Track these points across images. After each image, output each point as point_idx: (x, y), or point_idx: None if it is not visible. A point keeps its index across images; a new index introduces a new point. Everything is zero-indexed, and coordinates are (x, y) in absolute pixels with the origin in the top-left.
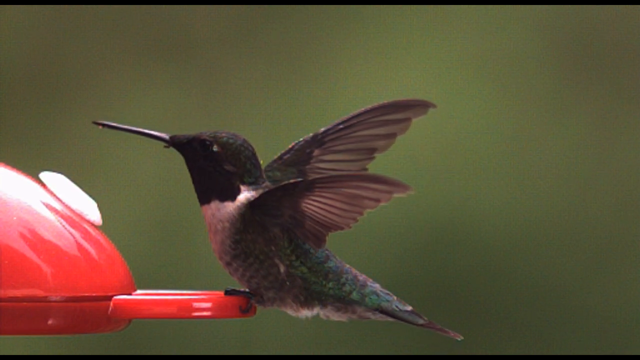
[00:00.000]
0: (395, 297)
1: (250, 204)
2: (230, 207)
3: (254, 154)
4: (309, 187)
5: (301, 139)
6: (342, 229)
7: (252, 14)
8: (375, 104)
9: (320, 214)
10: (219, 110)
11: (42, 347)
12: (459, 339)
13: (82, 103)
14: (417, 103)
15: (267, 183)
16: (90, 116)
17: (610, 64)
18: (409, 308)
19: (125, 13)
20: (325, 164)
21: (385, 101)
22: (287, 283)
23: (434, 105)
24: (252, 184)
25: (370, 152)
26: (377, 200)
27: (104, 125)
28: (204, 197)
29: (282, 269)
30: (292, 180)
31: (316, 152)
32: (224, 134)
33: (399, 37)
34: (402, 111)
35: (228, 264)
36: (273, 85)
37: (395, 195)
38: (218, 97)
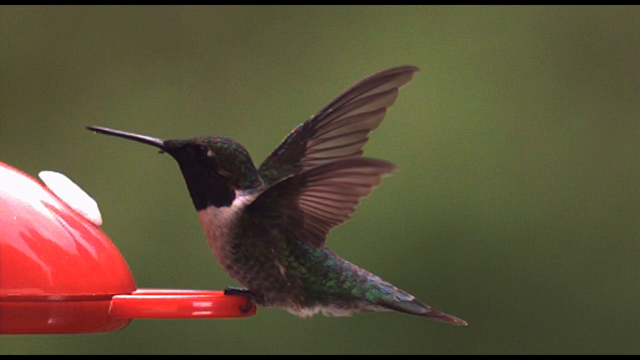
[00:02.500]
0: (395, 289)
1: (248, 208)
2: (227, 213)
3: (248, 158)
4: (301, 181)
5: (293, 131)
6: (340, 221)
7: (252, 14)
8: (359, 80)
9: (317, 208)
10: (218, 110)
11: (42, 347)
12: (465, 324)
13: (82, 103)
14: (401, 70)
15: (263, 185)
16: (90, 116)
17: (610, 64)
18: (410, 298)
19: (125, 13)
20: (320, 153)
21: (369, 76)
22: (288, 284)
23: (417, 69)
24: (248, 187)
25: (363, 133)
26: (368, 185)
27: (97, 130)
28: (200, 203)
29: (282, 270)
30: (284, 178)
31: (309, 142)
32: (218, 139)
33: (399, 37)
34: (387, 82)
35: (229, 267)
36: (273, 85)
37: (383, 176)
38: (218, 97)
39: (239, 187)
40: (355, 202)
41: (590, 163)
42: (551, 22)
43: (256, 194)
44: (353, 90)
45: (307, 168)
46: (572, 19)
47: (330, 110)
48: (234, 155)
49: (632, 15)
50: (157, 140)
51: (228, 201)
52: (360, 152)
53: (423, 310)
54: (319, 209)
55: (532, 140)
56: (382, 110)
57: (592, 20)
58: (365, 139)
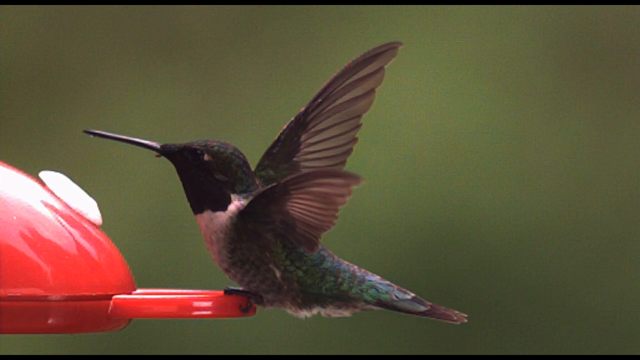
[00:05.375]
0: (395, 287)
1: (241, 213)
2: (222, 218)
3: (244, 162)
4: (284, 189)
5: (285, 127)
6: (328, 227)
7: (252, 14)
8: (344, 66)
9: (305, 214)
10: (219, 110)
11: (42, 347)
12: (464, 321)
13: (82, 103)
14: (385, 48)
15: (260, 188)
16: (90, 116)
17: (610, 64)
18: (409, 296)
19: (125, 13)
20: (314, 146)
21: (352, 59)
22: (284, 287)
23: (400, 44)
24: (243, 192)
25: (356, 119)
26: (342, 196)
27: (93, 134)
28: (197, 207)
29: (278, 273)
30: (269, 186)
31: (303, 137)
32: (214, 143)
33: (398, 37)
34: (372, 62)
35: (227, 271)
36: (273, 85)
37: (352, 187)
38: (218, 97)
39: (235, 192)
40: (336, 210)
41: (590, 163)
42: (551, 22)
43: (250, 198)
44: (340, 76)
45: (305, 164)
46: (572, 19)
47: (319, 100)
48: (231, 159)
49: (632, 15)
50: (154, 144)
51: (224, 206)
52: (355, 139)
53: (422, 308)
54: (306, 214)
55: (532, 140)
56: (371, 92)
57: (592, 20)
58: (359, 126)
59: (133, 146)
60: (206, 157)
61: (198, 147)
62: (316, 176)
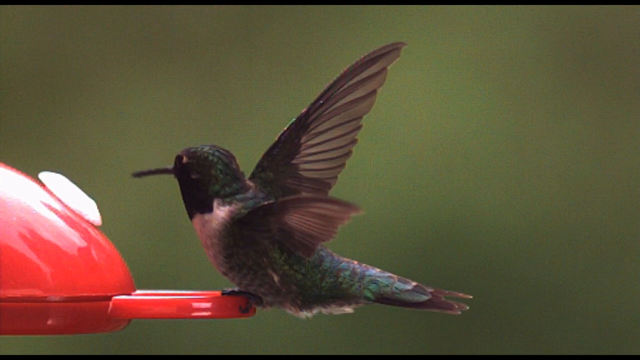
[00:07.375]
0: (396, 278)
1: (238, 221)
2: (214, 224)
3: (222, 160)
4: (282, 207)
5: (286, 128)
6: (327, 239)
7: (252, 14)
8: (346, 67)
9: (303, 227)
10: (219, 110)
11: (42, 347)
12: (466, 309)
13: (82, 103)
14: (388, 49)
15: (253, 189)
16: (90, 116)
17: (610, 64)
18: (410, 287)
19: (125, 13)
20: (314, 148)
21: (355, 61)
22: (283, 290)
23: (404, 44)
24: (224, 193)
25: (357, 121)
26: (341, 219)
27: (141, 174)
28: (190, 212)
29: (276, 278)
30: (266, 203)
31: (303, 138)
32: (194, 145)
33: (399, 37)
34: (375, 63)
35: (224, 274)
36: (273, 85)
37: (351, 215)
38: (218, 97)
39: (215, 192)
40: (335, 228)
41: (590, 163)
42: (551, 22)
43: (239, 204)
44: (342, 77)
45: (304, 167)
46: (572, 19)
47: (321, 101)
48: (204, 157)
49: (632, 15)
50: (168, 167)
51: (208, 208)
52: (355, 141)
53: (424, 298)
54: (305, 227)
55: (532, 140)
56: (372, 93)
57: (592, 20)
58: (359, 127)
59: (132, 146)
60: (184, 160)
61: (181, 152)
62: (314, 200)
